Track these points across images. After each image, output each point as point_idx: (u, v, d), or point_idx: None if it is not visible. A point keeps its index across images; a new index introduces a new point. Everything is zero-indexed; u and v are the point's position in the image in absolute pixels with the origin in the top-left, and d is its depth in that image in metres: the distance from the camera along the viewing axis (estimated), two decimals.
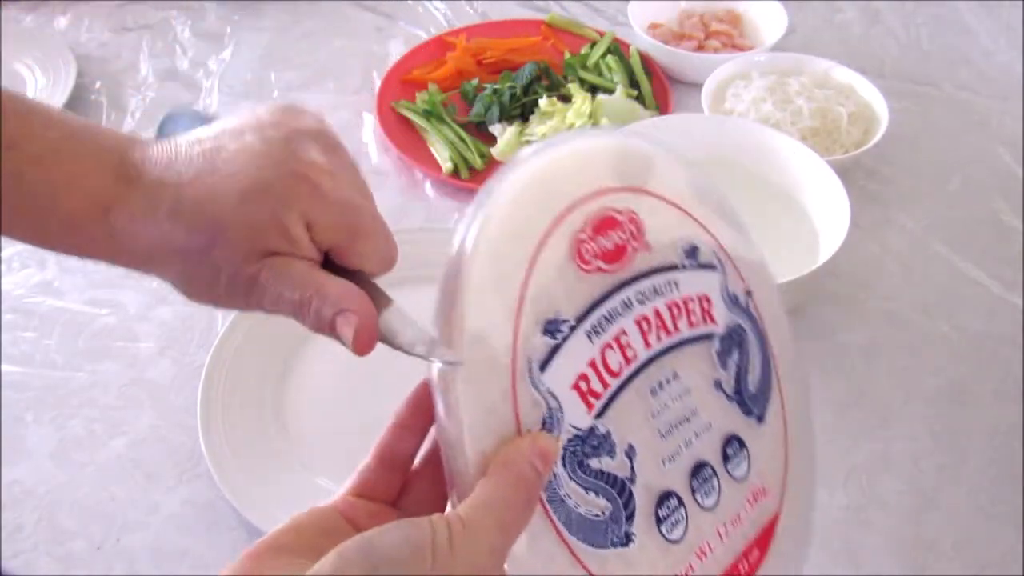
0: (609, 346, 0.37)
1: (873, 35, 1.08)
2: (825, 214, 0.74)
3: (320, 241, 0.39)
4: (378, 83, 0.98)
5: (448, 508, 0.34)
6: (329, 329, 0.38)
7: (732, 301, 0.41)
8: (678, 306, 0.39)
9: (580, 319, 0.36)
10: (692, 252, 0.40)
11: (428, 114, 0.93)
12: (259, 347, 0.70)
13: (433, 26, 1.10)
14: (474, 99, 0.95)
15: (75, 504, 0.63)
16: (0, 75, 1.00)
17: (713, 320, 0.40)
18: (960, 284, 0.77)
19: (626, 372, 0.37)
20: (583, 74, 0.98)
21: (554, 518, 0.34)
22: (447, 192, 0.87)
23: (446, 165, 0.88)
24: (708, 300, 0.40)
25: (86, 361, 0.72)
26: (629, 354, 0.37)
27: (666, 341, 0.38)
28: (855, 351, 0.72)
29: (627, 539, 0.35)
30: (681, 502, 0.38)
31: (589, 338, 0.36)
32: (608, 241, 0.37)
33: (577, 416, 0.35)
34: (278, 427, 0.66)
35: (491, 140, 0.91)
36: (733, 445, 0.40)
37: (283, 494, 0.61)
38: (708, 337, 0.40)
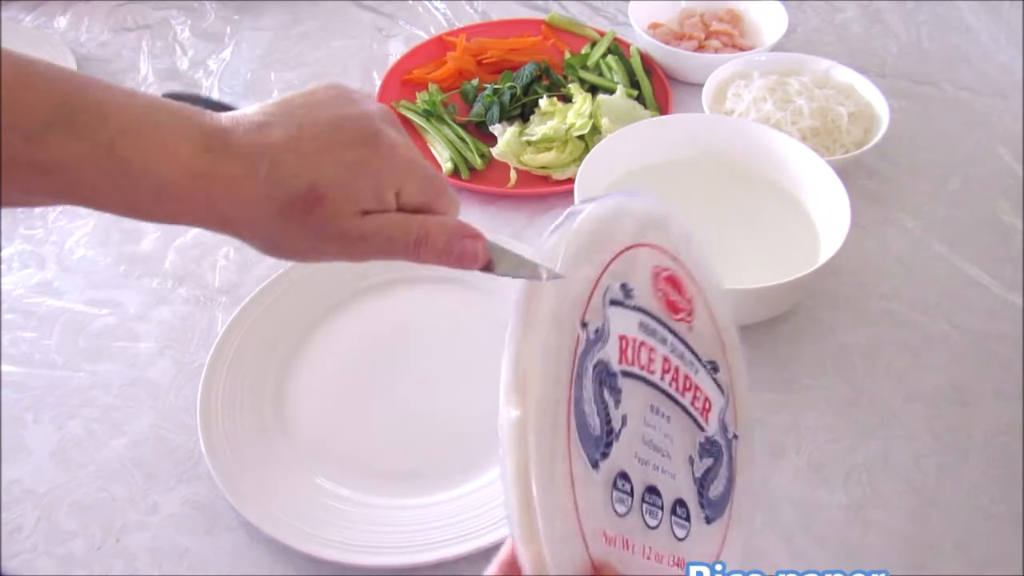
0: (643, 343, 0.44)
1: (873, 34, 1.08)
2: (826, 214, 0.74)
3: (405, 204, 0.45)
4: (378, 83, 0.98)
5: None
6: (446, 254, 0.44)
7: (722, 426, 0.47)
8: (690, 382, 0.46)
9: (639, 305, 0.44)
10: (714, 367, 0.48)
11: (428, 114, 0.93)
12: (259, 347, 0.70)
13: (433, 26, 1.10)
14: (474, 99, 0.95)
15: (75, 504, 0.63)
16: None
17: (707, 421, 0.47)
18: (960, 284, 0.77)
19: (641, 372, 0.43)
20: (583, 74, 0.98)
21: (572, 411, 0.40)
22: None
23: (446, 165, 0.88)
24: (709, 405, 0.47)
25: (86, 361, 0.72)
26: (646, 362, 0.44)
27: (673, 391, 0.45)
28: (855, 351, 0.72)
29: (595, 465, 0.41)
30: (631, 485, 0.43)
31: (639, 327, 0.43)
32: (673, 293, 0.46)
33: (612, 353, 0.42)
34: (278, 427, 0.66)
35: (491, 140, 0.91)
36: (684, 508, 0.44)
37: (283, 494, 0.61)
38: (699, 426, 0.46)
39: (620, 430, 0.43)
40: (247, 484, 0.61)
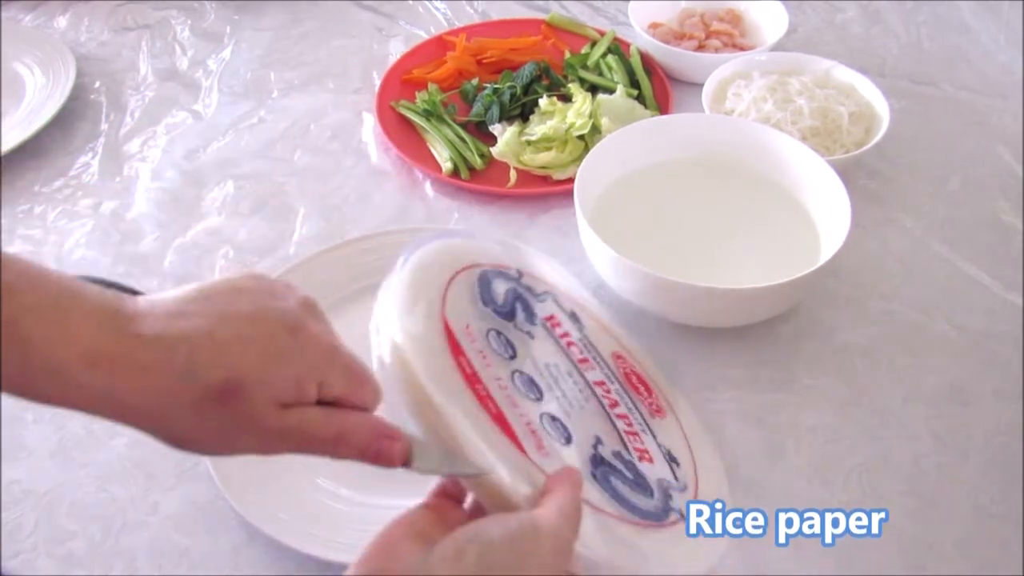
0: (572, 343, 0.51)
1: (873, 34, 1.08)
2: (826, 214, 0.74)
3: (325, 395, 0.43)
4: (378, 83, 0.98)
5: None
6: (366, 453, 0.43)
7: (664, 492, 0.50)
8: (631, 424, 0.51)
9: (586, 333, 0.52)
10: (674, 459, 0.53)
11: (428, 114, 0.93)
12: None
13: (433, 26, 1.10)
14: (474, 99, 0.95)
15: (75, 504, 0.63)
16: (0, 75, 1.00)
17: (639, 458, 0.50)
18: (960, 284, 0.77)
19: (560, 340, 0.51)
20: (583, 74, 0.98)
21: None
22: (447, 192, 0.87)
23: (446, 165, 0.88)
24: (650, 457, 0.51)
25: None
26: (577, 350, 0.52)
27: (599, 392, 0.50)
28: (855, 351, 0.72)
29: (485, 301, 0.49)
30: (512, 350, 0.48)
31: (580, 338, 0.52)
32: (636, 380, 0.55)
33: (533, 304, 0.50)
34: None
35: (491, 140, 0.91)
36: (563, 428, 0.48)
37: (283, 494, 0.61)
38: (623, 444, 0.50)
39: (524, 325, 0.46)
40: (247, 484, 0.61)
